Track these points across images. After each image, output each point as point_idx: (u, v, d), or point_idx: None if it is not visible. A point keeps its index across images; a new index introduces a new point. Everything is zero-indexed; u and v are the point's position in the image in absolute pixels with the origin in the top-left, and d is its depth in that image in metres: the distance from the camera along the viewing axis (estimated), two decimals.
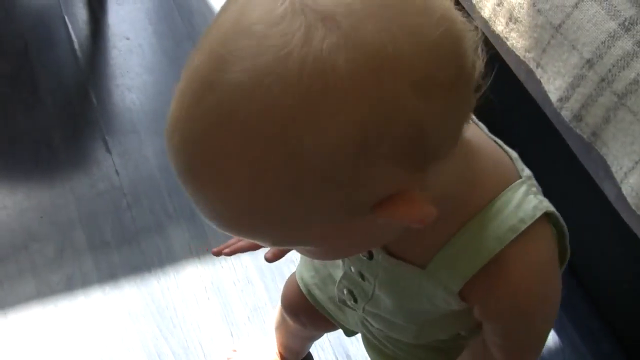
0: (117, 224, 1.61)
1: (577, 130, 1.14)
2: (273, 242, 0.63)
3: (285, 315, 1.13)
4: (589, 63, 1.11)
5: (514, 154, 0.69)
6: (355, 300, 0.83)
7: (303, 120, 0.46)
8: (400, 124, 0.48)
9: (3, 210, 1.61)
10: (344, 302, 0.87)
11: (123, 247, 1.57)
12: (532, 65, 1.23)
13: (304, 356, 1.42)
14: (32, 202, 1.64)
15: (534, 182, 0.68)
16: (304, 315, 1.05)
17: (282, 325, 1.25)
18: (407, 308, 0.77)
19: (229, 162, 0.49)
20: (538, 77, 1.22)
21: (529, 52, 1.24)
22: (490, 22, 1.36)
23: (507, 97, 1.62)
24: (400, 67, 0.47)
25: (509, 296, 0.67)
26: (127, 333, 1.45)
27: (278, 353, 1.39)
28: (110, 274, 1.53)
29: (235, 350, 1.42)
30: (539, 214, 0.65)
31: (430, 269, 0.68)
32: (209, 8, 2.03)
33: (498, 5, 1.32)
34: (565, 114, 1.16)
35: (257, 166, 0.48)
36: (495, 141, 0.69)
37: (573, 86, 1.14)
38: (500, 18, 1.32)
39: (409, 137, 0.49)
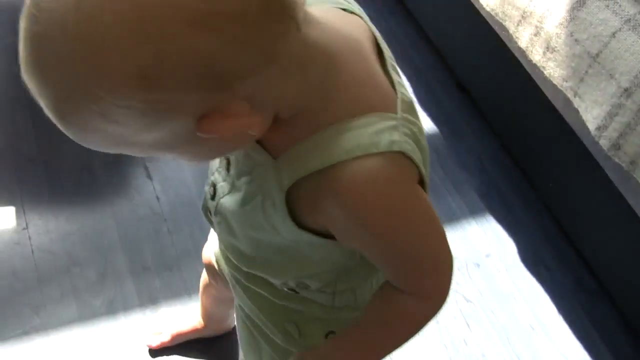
0: (158, 249, 1.63)
1: (616, 159, 1.15)
2: (137, 153, 0.67)
3: (206, 273, 1.22)
4: (627, 92, 1.12)
5: (406, 97, 0.72)
6: (213, 197, 0.83)
7: (83, 65, 0.54)
8: (179, 58, 0.54)
9: (46, 234, 1.65)
10: (206, 209, 0.87)
11: (164, 272, 1.60)
12: (569, 95, 1.24)
13: (229, 328, 1.48)
14: (75, 226, 1.67)
15: (412, 127, 0.70)
16: (210, 269, 1.11)
17: (205, 289, 1.31)
18: (248, 209, 0.76)
19: (44, 92, 0.58)
20: (576, 106, 1.23)
21: (566, 81, 1.24)
22: (527, 52, 1.38)
23: (544, 126, 1.62)
24: (169, 10, 0.53)
25: (344, 205, 0.67)
26: (169, 357, 1.48)
27: (201, 322, 1.46)
28: (151, 299, 1.55)
29: (160, 333, 1.48)
30: (395, 148, 0.66)
31: (279, 161, 0.70)
32: None
33: (535, 35, 1.34)
34: (604, 142, 1.17)
35: (63, 100, 0.57)
36: (391, 78, 0.72)
37: (611, 115, 1.15)
38: (537, 47, 1.33)
39: (193, 67, 0.55)
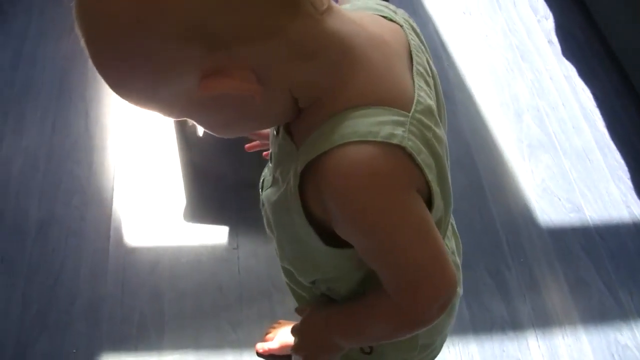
0: None
1: None
2: (165, 114, 0.70)
3: None
4: None
5: (424, 100, 0.70)
6: (262, 188, 0.86)
7: (91, 12, 0.61)
8: (173, 10, 0.59)
9: (254, 257, 1.73)
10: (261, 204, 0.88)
11: None
12: None
13: None
14: None
15: (424, 130, 0.69)
16: None
17: None
18: (277, 200, 0.77)
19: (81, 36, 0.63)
20: None
21: None
22: None
23: None
24: None
25: (333, 191, 0.67)
26: None
27: None
28: None
29: (280, 322, 1.52)
30: (394, 141, 0.65)
31: (300, 150, 0.70)
32: None
33: None
34: None
35: (91, 44, 0.63)
36: (416, 81, 0.71)
37: None
38: None
39: (186, 21, 0.59)
